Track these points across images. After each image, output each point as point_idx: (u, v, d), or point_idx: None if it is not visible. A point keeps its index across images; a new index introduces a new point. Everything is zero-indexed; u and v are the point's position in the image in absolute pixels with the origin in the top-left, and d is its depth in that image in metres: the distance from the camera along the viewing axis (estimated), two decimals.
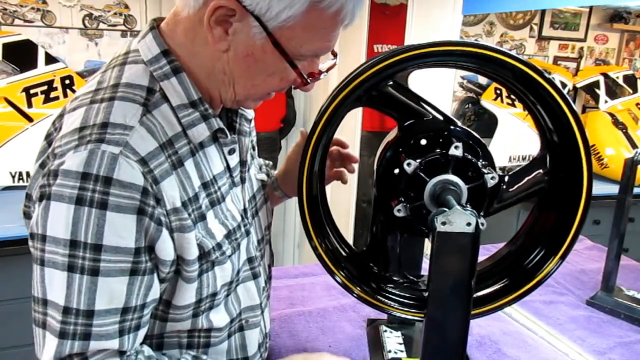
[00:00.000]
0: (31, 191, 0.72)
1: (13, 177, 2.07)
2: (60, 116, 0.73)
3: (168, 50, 0.74)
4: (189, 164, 0.74)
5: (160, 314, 0.78)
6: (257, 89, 0.76)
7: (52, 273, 0.65)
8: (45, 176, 0.65)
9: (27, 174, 2.08)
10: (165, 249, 0.70)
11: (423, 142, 0.93)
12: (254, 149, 1.00)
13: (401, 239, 1.11)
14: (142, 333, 0.73)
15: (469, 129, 0.94)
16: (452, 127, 0.94)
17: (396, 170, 0.93)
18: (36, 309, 0.68)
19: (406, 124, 0.95)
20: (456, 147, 0.87)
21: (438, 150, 0.90)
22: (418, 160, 0.89)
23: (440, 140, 0.92)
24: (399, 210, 0.91)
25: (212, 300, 0.80)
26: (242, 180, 0.86)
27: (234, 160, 0.83)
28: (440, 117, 0.94)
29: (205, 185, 0.76)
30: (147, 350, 0.74)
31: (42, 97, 2.12)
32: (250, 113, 0.91)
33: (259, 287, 0.91)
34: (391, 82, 0.92)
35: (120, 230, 0.65)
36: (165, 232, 0.69)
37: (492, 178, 0.89)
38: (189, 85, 0.73)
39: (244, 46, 0.70)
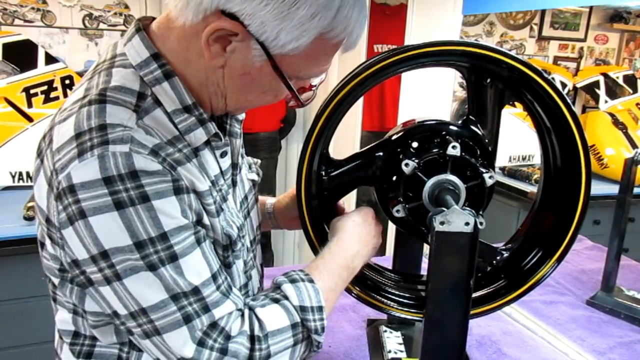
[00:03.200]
0: (50, 215, 0.66)
1: (13, 177, 2.07)
2: (50, 129, 0.69)
3: (158, 54, 0.70)
4: (194, 163, 0.73)
5: None
6: (250, 103, 0.76)
7: (137, 278, 0.63)
8: (60, 197, 0.62)
9: (27, 174, 2.08)
10: (206, 219, 0.71)
11: (420, 142, 0.93)
12: (242, 148, 1.00)
13: (401, 239, 1.11)
14: (235, 290, 0.73)
15: (472, 127, 0.94)
16: (450, 127, 0.94)
17: (394, 173, 0.93)
18: (140, 323, 0.66)
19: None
20: (454, 147, 0.87)
21: (436, 150, 0.90)
22: (416, 161, 0.89)
23: (438, 140, 0.92)
24: (397, 211, 0.91)
25: (245, 293, 0.81)
26: (234, 183, 0.84)
27: (225, 163, 0.81)
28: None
29: (212, 184, 0.75)
30: (257, 299, 0.75)
31: (42, 97, 2.12)
32: (241, 114, 0.91)
33: (252, 288, 0.90)
34: None
35: (172, 212, 0.64)
36: (201, 204, 0.70)
37: (491, 177, 0.89)
38: (182, 90, 0.71)
39: (241, 65, 0.69)
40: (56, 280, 0.74)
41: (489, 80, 0.92)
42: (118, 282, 0.64)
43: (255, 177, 0.97)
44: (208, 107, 0.76)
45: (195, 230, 0.68)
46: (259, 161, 1.05)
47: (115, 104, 0.66)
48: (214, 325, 0.67)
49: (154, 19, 0.76)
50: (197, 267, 0.67)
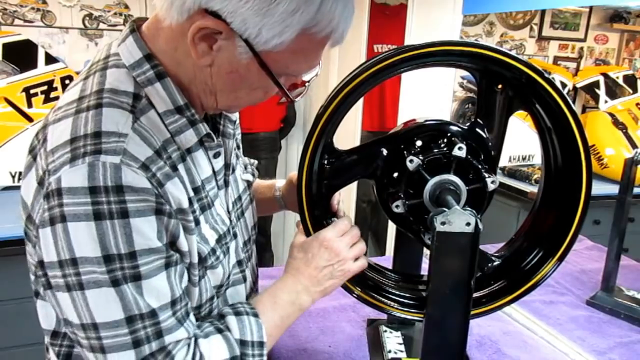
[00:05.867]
0: (32, 212, 0.67)
1: (13, 177, 2.07)
2: (44, 128, 0.70)
3: (151, 55, 0.71)
4: (182, 169, 0.73)
5: None
6: (241, 101, 0.75)
7: (98, 293, 0.63)
8: (48, 197, 0.63)
9: None
10: (183, 241, 0.70)
11: (425, 141, 0.93)
12: (238, 148, 0.99)
13: (401, 239, 1.11)
14: (192, 317, 0.73)
15: (478, 131, 0.94)
16: (457, 128, 0.94)
17: (396, 169, 0.93)
18: (88, 336, 0.66)
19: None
20: (460, 148, 0.87)
21: (441, 150, 0.90)
22: (421, 157, 0.89)
23: (444, 140, 0.92)
24: (397, 206, 0.91)
25: (210, 304, 0.80)
26: (226, 184, 0.85)
27: (218, 163, 0.82)
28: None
29: (196, 191, 0.75)
30: (201, 326, 0.75)
31: (42, 97, 2.12)
32: (233, 115, 0.90)
33: (246, 289, 0.90)
34: None
35: (147, 232, 0.64)
36: (180, 227, 0.69)
37: (493, 182, 0.89)
38: (174, 91, 0.71)
39: (228, 63, 0.69)
40: (32, 278, 0.74)
41: (500, 87, 0.92)
42: (79, 291, 0.64)
43: (250, 178, 0.97)
44: (199, 106, 0.76)
45: (167, 254, 0.68)
46: (255, 162, 1.04)
47: (111, 106, 0.67)
48: (162, 349, 0.68)
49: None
50: (158, 290, 0.67)
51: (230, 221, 0.85)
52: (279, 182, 1.12)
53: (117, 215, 0.62)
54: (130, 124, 0.67)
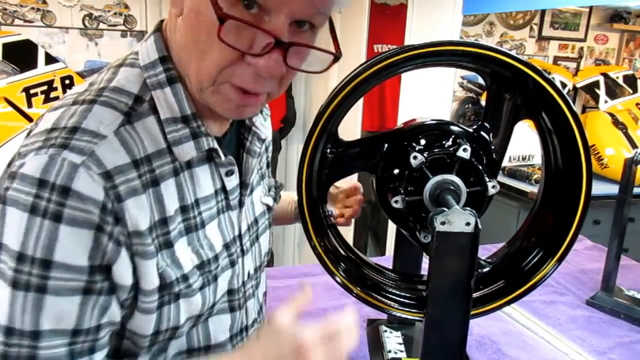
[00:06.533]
0: None
1: None
2: (44, 113, 0.67)
3: (167, 57, 0.68)
4: (168, 184, 0.67)
5: (119, 331, 0.69)
6: (206, 58, 0.62)
7: None
8: (6, 178, 0.60)
9: None
10: (123, 272, 0.63)
11: (429, 139, 0.93)
12: (268, 167, 0.96)
13: (401, 238, 1.11)
14: (99, 355, 0.64)
15: (484, 134, 0.94)
16: (463, 129, 0.94)
17: (398, 165, 0.93)
18: None
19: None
20: (464, 150, 0.87)
21: (446, 150, 0.90)
22: (425, 156, 0.89)
23: (449, 140, 0.92)
24: (396, 202, 0.91)
25: (173, 332, 0.71)
26: (240, 204, 0.79)
27: (232, 182, 0.76)
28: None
29: (183, 209, 0.69)
30: None
31: (42, 97, 2.13)
32: (263, 132, 0.83)
33: (234, 319, 0.81)
34: None
35: (74, 245, 0.58)
36: (124, 253, 0.62)
37: (494, 187, 0.89)
38: (183, 98, 0.67)
39: (189, 2, 0.62)
40: None
41: (508, 94, 0.92)
42: None
43: (270, 202, 0.91)
44: (197, 83, 0.66)
45: (89, 278, 0.60)
46: (282, 184, 1.02)
47: (104, 105, 0.64)
48: None
49: None
50: (62, 313, 0.59)
51: (230, 246, 0.77)
52: (295, 195, 1.04)
53: (50, 216, 0.57)
54: (115, 126, 0.63)
